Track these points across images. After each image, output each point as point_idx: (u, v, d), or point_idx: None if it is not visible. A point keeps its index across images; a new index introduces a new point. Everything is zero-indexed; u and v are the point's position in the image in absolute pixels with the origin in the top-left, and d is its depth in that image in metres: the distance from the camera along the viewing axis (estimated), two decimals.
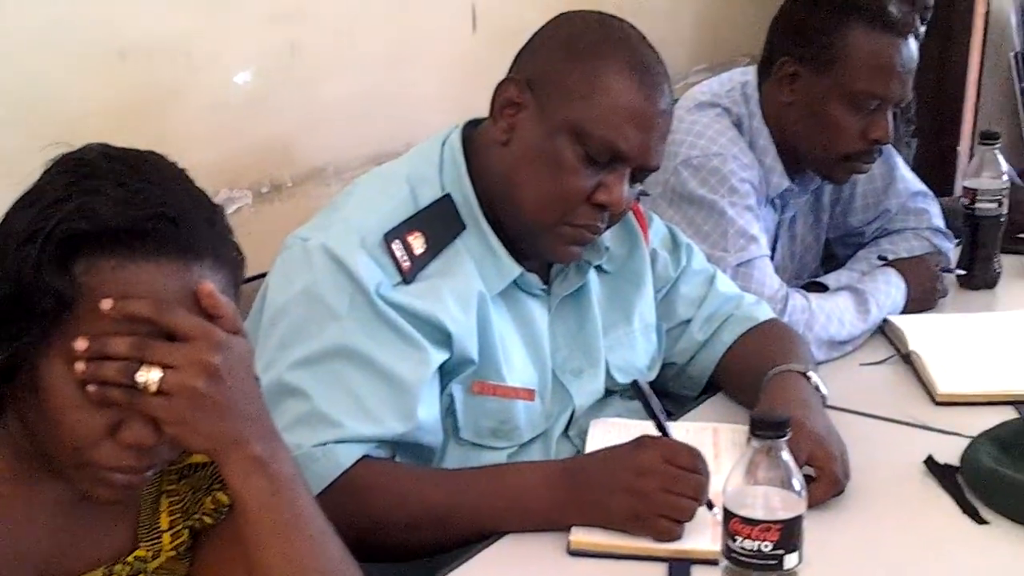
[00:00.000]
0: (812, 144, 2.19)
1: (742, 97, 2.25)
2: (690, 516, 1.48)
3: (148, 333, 1.09)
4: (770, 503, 1.31)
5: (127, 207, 1.09)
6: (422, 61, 2.62)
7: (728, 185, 2.13)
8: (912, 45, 2.14)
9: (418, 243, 1.62)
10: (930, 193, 2.47)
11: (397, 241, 1.60)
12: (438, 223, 1.65)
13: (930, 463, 1.71)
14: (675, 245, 1.95)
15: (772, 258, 2.28)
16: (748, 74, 2.29)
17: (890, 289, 2.21)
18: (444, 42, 2.68)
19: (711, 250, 2.08)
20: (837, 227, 2.48)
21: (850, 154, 2.16)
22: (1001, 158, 2.31)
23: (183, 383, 1.10)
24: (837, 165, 2.20)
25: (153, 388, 1.09)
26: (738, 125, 2.22)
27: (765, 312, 1.97)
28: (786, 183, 2.23)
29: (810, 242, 2.45)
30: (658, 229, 1.94)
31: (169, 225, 1.10)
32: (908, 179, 2.46)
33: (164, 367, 1.10)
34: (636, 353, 1.86)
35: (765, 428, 1.30)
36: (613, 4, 3.02)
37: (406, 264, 1.60)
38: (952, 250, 2.41)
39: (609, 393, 1.83)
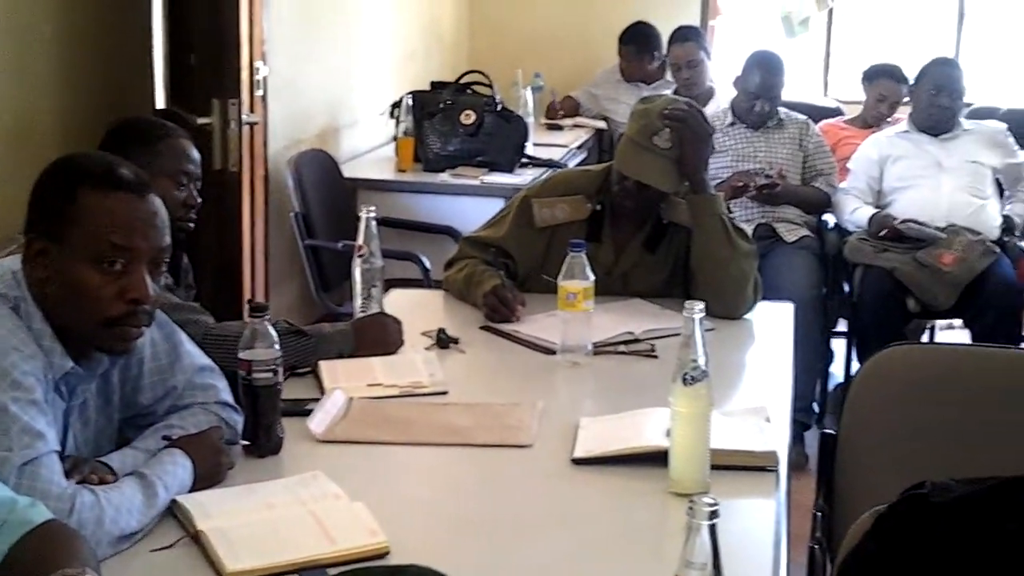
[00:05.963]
0: (76, 316, 2.15)
1: (15, 282, 2.18)
2: None
3: None
4: None
5: None
6: None
7: (10, 379, 2.04)
8: (153, 200, 2.18)
9: None
10: (216, 368, 2.49)
11: None
12: None
13: None
14: None
15: (65, 448, 2.20)
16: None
17: (176, 470, 2.20)
18: None
19: None
20: (128, 407, 2.43)
21: (113, 318, 2.15)
22: (271, 328, 2.42)
23: None
24: (106, 333, 2.17)
25: None
26: (16, 311, 2.14)
27: (42, 514, 1.88)
28: (69, 364, 2.17)
29: (103, 425, 2.38)
30: None
31: None
32: (194, 354, 2.47)
33: None
34: None
35: None
36: None
37: None
38: (240, 422, 2.45)
39: None
